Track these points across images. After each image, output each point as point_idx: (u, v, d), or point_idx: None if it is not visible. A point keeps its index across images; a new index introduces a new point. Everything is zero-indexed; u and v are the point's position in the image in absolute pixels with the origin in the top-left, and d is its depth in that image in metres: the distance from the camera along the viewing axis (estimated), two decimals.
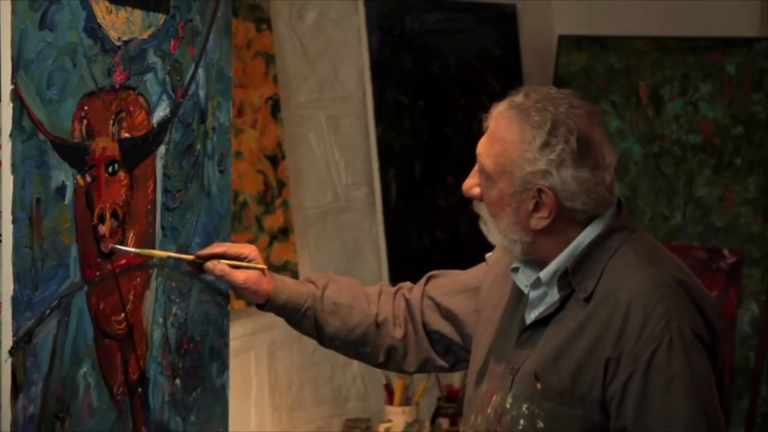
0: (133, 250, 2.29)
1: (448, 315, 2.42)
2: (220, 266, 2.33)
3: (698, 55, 4.17)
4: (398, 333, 2.43)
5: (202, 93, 2.49)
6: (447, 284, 2.45)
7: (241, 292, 2.38)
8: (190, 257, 2.36)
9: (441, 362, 2.45)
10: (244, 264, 2.36)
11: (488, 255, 2.42)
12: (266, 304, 2.39)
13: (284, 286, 2.40)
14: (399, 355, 2.44)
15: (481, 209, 2.20)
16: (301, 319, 2.41)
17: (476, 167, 2.20)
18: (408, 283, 2.51)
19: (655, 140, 4.21)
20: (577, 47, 4.33)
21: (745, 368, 4.00)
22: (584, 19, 4.57)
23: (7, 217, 1.98)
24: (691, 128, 4.17)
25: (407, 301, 2.45)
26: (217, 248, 2.36)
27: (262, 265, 2.37)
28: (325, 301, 2.41)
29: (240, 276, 2.34)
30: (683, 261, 2.20)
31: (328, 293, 2.42)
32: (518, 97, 2.16)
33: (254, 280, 2.35)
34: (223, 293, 2.61)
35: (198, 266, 2.36)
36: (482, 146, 2.18)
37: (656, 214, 4.18)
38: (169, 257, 2.38)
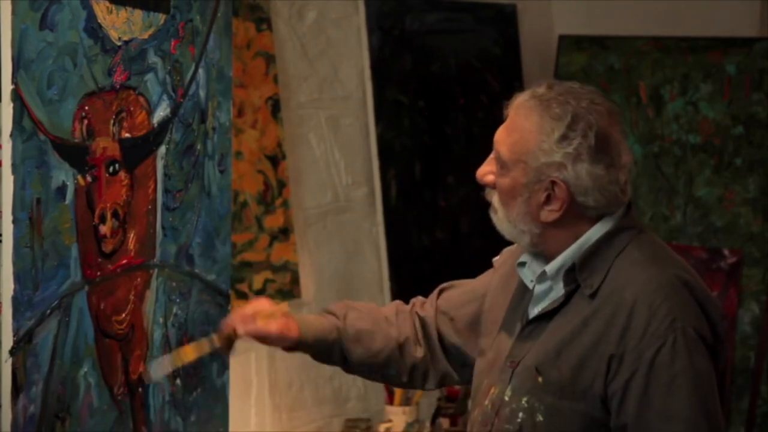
0: (167, 366, 2.33)
1: (463, 328, 2.41)
2: (252, 327, 2.30)
3: (698, 55, 4.17)
4: (419, 352, 2.42)
5: (202, 93, 2.49)
6: (458, 296, 2.43)
7: (273, 341, 2.35)
8: (217, 340, 2.33)
9: (458, 376, 2.44)
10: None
11: (495, 259, 2.42)
12: (296, 347, 2.37)
13: (308, 326, 2.37)
14: (420, 372, 2.43)
15: (493, 197, 2.20)
16: (329, 352, 2.39)
17: (492, 154, 2.19)
18: (420, 298, 2.49)
19: (655, 140, 4.20)
20: (577, 47, 4.33)
21: (745, 368, 4.00)
22: (584, 19, 4.57)
23: (8, 217, 1.98)
24: (691, 128, 4.17)
25: (422, 319, 2.44)
26: (232, 322, 2.33)
27: (283, 308, 2.35)
28: (348, 330, 2.39)
29: (273, 327, 2.32)
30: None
31: (350, 322, 2.39)
32: (541, 89, 2.15)
33: (287, 327, 2.33)
34: (223, 293, 2.61)
35: (229, 344, 2.33)
36: (500, 134, 2.17)
37: (656, 214, 4.18)
38: (201, 356, 2.36)
